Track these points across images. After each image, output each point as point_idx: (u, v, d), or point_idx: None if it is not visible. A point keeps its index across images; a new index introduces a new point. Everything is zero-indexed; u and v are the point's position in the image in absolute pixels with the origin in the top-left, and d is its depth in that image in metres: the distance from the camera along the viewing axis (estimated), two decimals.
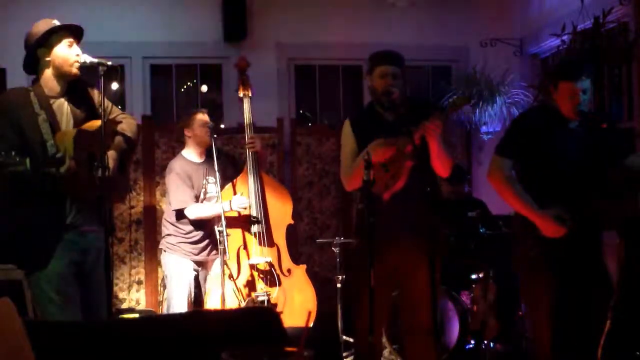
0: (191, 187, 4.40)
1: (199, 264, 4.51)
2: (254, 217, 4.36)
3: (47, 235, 3.05)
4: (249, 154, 4.44)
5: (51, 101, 3.12)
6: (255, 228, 4.35)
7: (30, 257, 3.08)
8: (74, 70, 3.11)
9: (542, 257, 3.20)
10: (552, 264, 3.19)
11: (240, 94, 4.57)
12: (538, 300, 3.26)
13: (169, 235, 4.47)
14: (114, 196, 3.26)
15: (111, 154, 3.13)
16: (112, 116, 3.29)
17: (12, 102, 3.12)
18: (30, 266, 3.09)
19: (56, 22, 3.13)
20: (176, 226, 4.42)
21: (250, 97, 4.56)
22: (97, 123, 3.05)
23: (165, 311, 4.66)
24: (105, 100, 3.28)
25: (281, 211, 4.49)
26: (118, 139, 3.21)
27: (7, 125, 2.99)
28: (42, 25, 3.11)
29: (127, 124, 3.30)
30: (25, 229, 3.05)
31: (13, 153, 2.76)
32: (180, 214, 4.38)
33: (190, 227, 4.41)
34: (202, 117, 4.48)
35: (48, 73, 3.13)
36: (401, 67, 3.34)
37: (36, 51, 3.12)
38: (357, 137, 3.35)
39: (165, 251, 4.50)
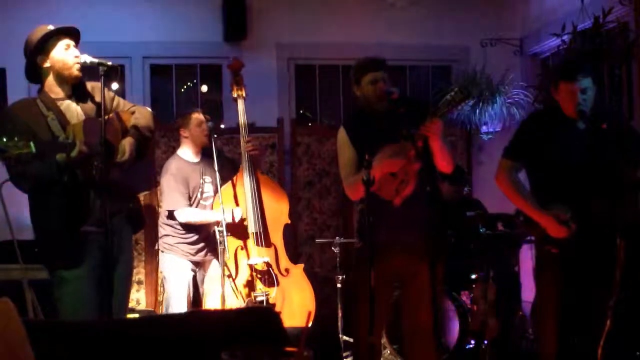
0: (186, 189, 4.40)
1: (196, 264, 4.51)
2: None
3: (73, 236, 3.05)
4: (245, 154, 4.44)
5: (58, 103, 3.12)
6: (252, 228, 4.35)
7: (57, 257, 3.08)
8: (75, 72, 3.11)
9: (551, 256, 3.24)
10: (560, 263, 3.22)
11: (234, 95, 4.56)
12: (545, 299, 3.33)
13: (166, 235, 4.47)
14: (137, 183, 3.27)
15: (128, 140, 3.14)
16: (125, 109, 3.30)
17: (18, 109, 3.13)
18: (56, 267, 3.10)
19: (51, 27, 3.12)
20: (173, 227, 4.42)
21: (245, 98, 4.56)
22: (108, 116, 3.07)
23: (164, 311, 4.66)
24: (115, 95, 3.33)
25: (278, 211, 4.49)
26: (133, 129, 3.22)
27: (14, 130, 2.94)
28: (38, 33, 3.10)
29: (140, 114, 3.30)
30: (51, 230, 3.06)
31: (16, 138, 2.73)
32: (171, 216, 4.38)
33: (187, 228, 4.41)
34: (198, 116, 4.49)
35: (50, 80, 3.13)
36: (386, 71, 3.35)
37: (35, 59, 3.11)
38: (354, 143, 3.32)
39: (162, 252, 4.50)
